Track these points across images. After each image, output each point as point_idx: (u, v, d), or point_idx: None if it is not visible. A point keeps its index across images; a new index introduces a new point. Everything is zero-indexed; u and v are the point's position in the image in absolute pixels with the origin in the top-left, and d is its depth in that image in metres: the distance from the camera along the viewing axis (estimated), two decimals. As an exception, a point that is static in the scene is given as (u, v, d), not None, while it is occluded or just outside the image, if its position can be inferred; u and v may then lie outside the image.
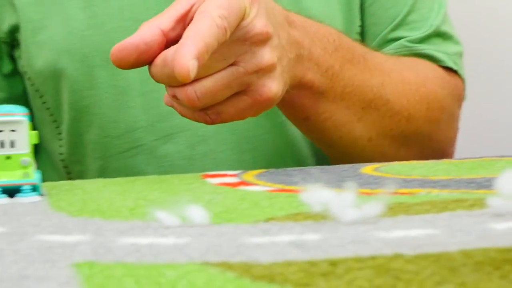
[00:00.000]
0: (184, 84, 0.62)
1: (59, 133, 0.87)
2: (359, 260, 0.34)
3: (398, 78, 0.77)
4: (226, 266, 0.34)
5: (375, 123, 0.75)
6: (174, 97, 0.64)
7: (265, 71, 0.64)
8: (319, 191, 0.43)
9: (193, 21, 0.60)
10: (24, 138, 0.56)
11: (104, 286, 0.31)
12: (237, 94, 0.64)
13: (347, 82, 0.73)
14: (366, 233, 0.40)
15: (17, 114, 0.56)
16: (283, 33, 0.67)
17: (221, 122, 0.66)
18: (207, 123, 0.66)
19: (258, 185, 0.58)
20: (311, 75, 0.71)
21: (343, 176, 0.61)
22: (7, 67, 0.90)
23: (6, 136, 0.55)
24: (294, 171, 0.65)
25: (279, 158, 0.84)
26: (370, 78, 0.75)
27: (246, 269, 0.33)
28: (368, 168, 0.65)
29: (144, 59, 0.61)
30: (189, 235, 0.41)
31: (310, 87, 0.71)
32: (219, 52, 0.62)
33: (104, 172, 0.86)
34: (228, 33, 0.60)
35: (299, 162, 0.83)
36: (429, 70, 0.83)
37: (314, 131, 0.75)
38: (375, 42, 0.86)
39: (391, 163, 0.68)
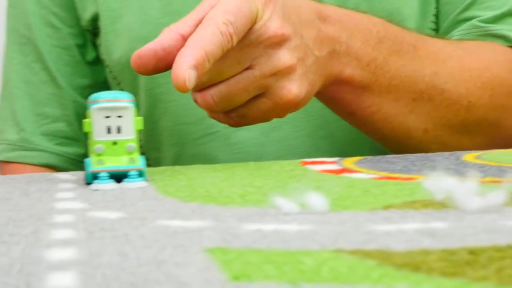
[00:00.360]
0: (201, 89, 0.62)
1: (137, 120, 0.88)
2: (498, 249, 0.33)
3: (456, 65, 0.74)
4: (362, 253, 0.33)
5: (429, 113, 0.73)
6: (196, 101, 0.64)
7: (283, 73, 0.63)
8: (442, 178, 0.42)
9: (197, 28, 0.59)
10: (130, 124, 0.56)
11: (245, 272, 0.31)
12: (258, 96, 0.64)
13: (393, 74, 0.71)
14: (495, 222, 0.39)
15: (124, 100, 0.56)
16: (309, 31, 0.65)
17: (247, 124, 0.66)
18: (232, 125, 0.66)
19: (362, 173, 0.58)
20: (350, 70, 0.69)
21: (447, 164, 0.60)
22: (90, 54, 0.91)
23: (112, 122, 0.56)
24: (394, 158, 0.65)
25: (354, 145, 0.83)
26: (421, 68, 0.72)
27: (385, 257, 0.33)
28: (469, 156, 0.64)
29: (164, 65, 0.60)
30: (311, 222, 0.40)
31: (350, 82, 0.70)
32: (232, 56, 0.61)
33: (179, 159, 0.86)
34: (235, 39, 0.59)
35: (374, 149, 0.82)
36: (496, 54, 0.79)
37: (363, 125, 0.74)
38: (447, 22, 0.83)
39: (491, 151, 0.67)
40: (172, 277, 0.31)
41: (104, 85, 0.92)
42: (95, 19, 0.89)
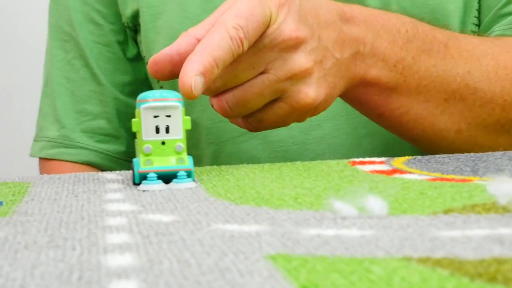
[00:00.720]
0: (217, 94, 0.61)
1: (176, 118, 0.87)
2: None
3: (491, 63, 0.72)
4: (432, 262, 0.32)
5: (462, 114, 0.71)
6: (212, 106, 0.63)
7: (300, 76, 0.62)
8: (506, 182, 0.41)
9: (207, 34, 0.58)
10: (178, 123, 0.55)
11: (312, 281, 0.30)
12: (275, 101, 0.63)
13: (423, 74, 0.69)
14: None
15: (172, 99, 0.55)
16: (329, 33, 0.64)
17: (265, 129, 0.65)
18: (250, 130, 0.65)
19: (414, 174, 0.57)
20: (376, 71, 0.68)
21: (501, 165, 0.58)
22: (131, 51, 0.91)
23: (161, 122, 0.55)
24: (444, 158, 0.63)
25: (396, 143, 0.81)
26: (453, 67, 0.70)
27: (457, 267, 0.31)
28: (523, 157, 0.62)
29: (179, 70, 0.58)
30: (372, 227, 0.39)
31: (376, 83, 0.68)
32: (246, 61, 0.60)
33: (218, 157, 0.85)
34: (245, 44, 0.58)
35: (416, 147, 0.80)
36: None
37: (393, 127, 0.72)
38: (488, 17, 0.81)
39: (544, 151, 0.66)
40: (238, 286, 0.30)
41: (145, 82, 0.91)
42: (135, 16, 0.88)
